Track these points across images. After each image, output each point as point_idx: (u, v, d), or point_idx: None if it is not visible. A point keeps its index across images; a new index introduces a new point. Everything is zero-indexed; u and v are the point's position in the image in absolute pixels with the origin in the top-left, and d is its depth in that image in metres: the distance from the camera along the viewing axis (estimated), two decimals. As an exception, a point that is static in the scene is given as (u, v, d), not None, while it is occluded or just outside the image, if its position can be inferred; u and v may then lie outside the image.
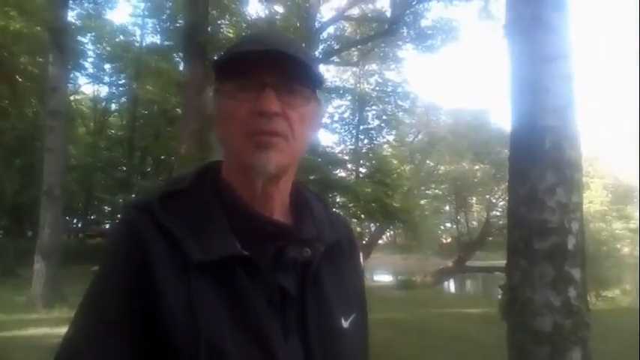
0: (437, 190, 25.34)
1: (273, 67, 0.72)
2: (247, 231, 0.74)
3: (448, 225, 30.17)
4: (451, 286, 26.59)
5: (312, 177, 16.15)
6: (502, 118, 24.01)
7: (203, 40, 12.97)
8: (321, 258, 0.79)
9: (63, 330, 0.73)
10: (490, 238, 21.66)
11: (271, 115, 0.71)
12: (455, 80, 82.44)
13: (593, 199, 45.28)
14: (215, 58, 0.79)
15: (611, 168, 44.02)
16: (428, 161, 25.01)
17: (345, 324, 0.79)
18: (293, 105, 0.74)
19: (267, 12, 17.02)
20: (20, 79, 10.51)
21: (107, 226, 27.52)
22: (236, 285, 0.71)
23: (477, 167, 22.11)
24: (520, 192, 2.43)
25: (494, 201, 21.54)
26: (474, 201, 23.47)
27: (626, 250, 41.29)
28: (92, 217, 29.16)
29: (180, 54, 15.61)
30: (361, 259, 0.97)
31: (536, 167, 2.36)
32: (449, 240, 30.46)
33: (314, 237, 0.79)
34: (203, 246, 0.70)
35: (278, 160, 0.73)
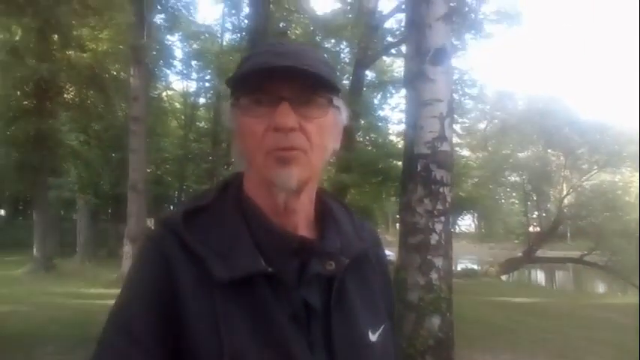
0: (512, 178, 24.96)
1: (287, 81, 0.72)
2: (271, 246, 0.74)
3: (538, 214, 29.47)
4: (540, 277, 26.19)
5: (380, 166, 16.94)
6: (575, 105, 23.11)
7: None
8: (347, 270, 0.78)
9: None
10: (562, 228, 21.14)
11: (288, 131, 0.71)
12: (527, 66, 78.34)
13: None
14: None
15: None
16: (503, 150, 24.65)
17: (373, 337, 0.78)
18: (310, 117, 0.73)
19: (327, 10, 17.85)
20: (111, 88, 12.51)
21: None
22: (260, 301, 0.70)
23: (549, 154, 21.54)
24: (402, 201, 3.31)
25: (565, 190, 20.93)
26: (548, 190, 22.83)
27: None
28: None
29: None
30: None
31: (411, 183, 3.24)
32: (537, 229, 29.72)
33: (338, 250, 0.79)
34: (227, 263, 0.70)
35: (299, 175, 0.73)
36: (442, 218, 3.21)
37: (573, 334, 7.40)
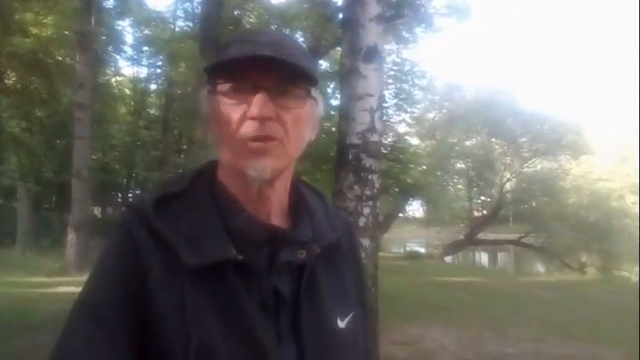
0: (458, 165, 25.99)
1: (265, 70, 0.71)
2: (242, 234, 0.74)
3: (482, 199, 30.87)
4: (484, 259, 27.47)
5: (332, 154, 17.28)
6: (519, 97, 24.28)
7: (216, 34, 14.19)
8: (318, 259, 0.79)
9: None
10: (504, 212, 22.33)
11: (264, 120, 0.71)
12: (477, 59, 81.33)
13: (630, 173, 44.09)
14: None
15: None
16: (450, 139, 25.58)
17: (342, 324, 0.79)
18: (287, 107, 0.73)
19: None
20: (56, 74, 12.19)
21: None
22: (230, 289, 0.71)
23: (492, 143, 22.61)
24: (335, 187, 3.63)
25: (507, 176, 22.07)
26: (491, 177, 23.97)
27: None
28: (136, 192, 31.48)
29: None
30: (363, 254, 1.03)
31: (343, 171, 3.55)
32: (484, 212, 31.17)
33: (309, 238, 0.79)
34: (197, 250, 0.70)
35: (274, 165, 0.73)
36: (370, 203, 3.53)
37: (504, 309, 8.04)
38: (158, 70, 27.01)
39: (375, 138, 3.56)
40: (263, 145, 0.72)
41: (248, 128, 0.72)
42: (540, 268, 21.74)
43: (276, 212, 0.80)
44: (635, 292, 11.36)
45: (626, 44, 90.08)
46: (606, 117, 46.74)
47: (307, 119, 0.78)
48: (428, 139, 26.67)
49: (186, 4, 23.52)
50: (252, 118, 0.71)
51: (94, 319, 0.69)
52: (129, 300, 0.69)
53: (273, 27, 18.39)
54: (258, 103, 0.71)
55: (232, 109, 0.73)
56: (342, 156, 3.58)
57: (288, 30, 18.89)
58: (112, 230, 0.78)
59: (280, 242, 0.77)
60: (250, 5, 18.62)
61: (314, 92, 0.78)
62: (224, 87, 0.74)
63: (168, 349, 0.67)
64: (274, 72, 0.72)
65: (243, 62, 0.71)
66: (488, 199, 25.91)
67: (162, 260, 0.71)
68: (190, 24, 22.81)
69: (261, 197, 0.77)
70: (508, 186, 21.99)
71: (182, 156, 23.03)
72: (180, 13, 24.05)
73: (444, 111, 26.74)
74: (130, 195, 30.06)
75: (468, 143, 24.41)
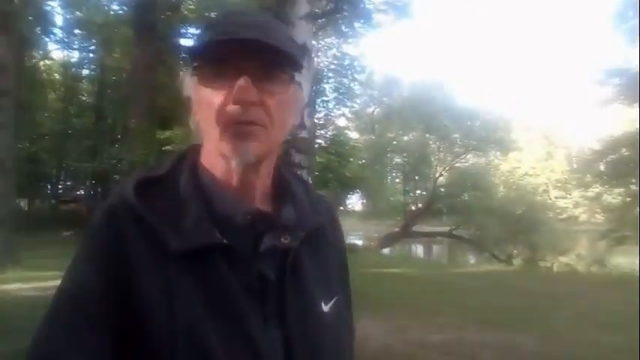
0: (396, 159, 26.79)
1: (249, 53, 0.70)
2: (226, 218, 0.74)
3: (418, 192, 31.98)
4: (420, 250, 28.44)
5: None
6: (455, 93, 25.30)
7: (152, 19, 13.81)
8: (302, 243, 0.78)
9: (11, 286, 1.03)
10: (440, 205, 23.26)
11: (248, 105, 0.70)
12: (415, 54, 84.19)
13: (554, 169, 47.04)
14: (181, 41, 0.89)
15: (577, 138, 45.93)
16: (388, 133, 26.26)
17: (326, 308, 0.80)
18: (271, 92, 0.72)
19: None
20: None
21: (82, 192, 28.40)
22: (215, 274, 0.70)
23: (427, 138, 23.43)
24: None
25: (440, 171, 23.01)
26: (426, 171, 24.86)
27: (583, 217, 43.30)
28: (68, 184, 29.97)
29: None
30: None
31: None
32: (419, 206, 32.31)
33: (294, 223, 0.79)
34: (181, 235, 0.70)
35: (257, 149, 0.73)
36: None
37: (432, 299, 8.43)
38: (91, 55, 25.86)
39: (304, 134, 3.66)
40: (247, 129, 0.71)
41: (231, 113, 0.71)
42: (472, 259, 22.80)
43: (259, 197, 0.79)
44: (555, 281, 12.26)
45: (556, 45, 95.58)
46: (533, 115, 49.49)
47: (291, 104, 0.77)
48: (367, 134, 27.27)
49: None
50: (236, 103, 0.70)
51: (76, 308, 0.68)
52: (112, 286, 0.68)
53: (213, 15, 18.13)
54: (241, 87, 0.69)
55: (215, 93, 0.72)
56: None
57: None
58: (94, 216, 0.76)
59: (265, 226, 0.76)
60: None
61: (298, 77, 0.77)
62: (207, 70, 0.72)
63: (155, 334, 0.67)
64: (259, 56, 0.71)
65: (226, 45, 0.70)
66: (424, 193, 26.86)
67: (146, 245, 0.70)
68: (125, 8, 22.00)
69: (245, 182, 0.76)
70: (442, 180, 22.92)
71: (117, 145, 22.17)
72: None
73: (383, 106, 27.46)
74: (60, 187, 28.65)
75: (405, 138, 25.14)
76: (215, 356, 0.67)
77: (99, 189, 26.33)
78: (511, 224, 20.66)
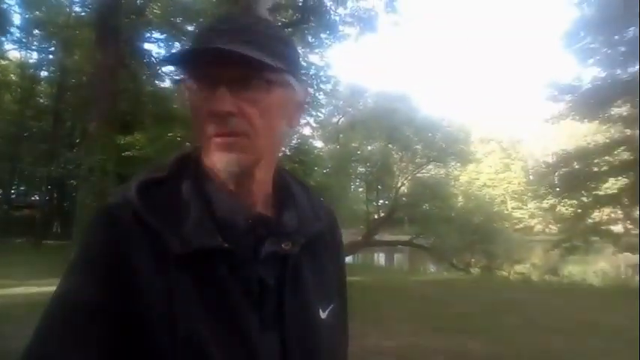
0: (360, 169, 27.10)
1: (225, 63, 0.69)
2: (228, 222, 0.74)
3: (381, 202, 32.43)
4: (382, 259, 28.75)
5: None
6: (418, 104, 25.91)
7: (116, 22, 13.56)
8: (302, 249, 0.78)
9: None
10: (402, 215, 23.69)
11: (225, 116, 0.69)
12: (381, 65, 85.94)
13: (512, 180, 48.59)
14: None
15: (533, 151, 47.58)
16: (352, 143, 26.55)
17: (323, 315, 0.80)
18: (251, 100, 0.71)
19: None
20: None
21: (36, 197, 27.39)
22: (215, 277, 0.70)
23: (389, 148, 23.84)
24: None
25: (402, 181, 23.45)
26: (389, 181, 25.26)
27: (538, 227, 44.79)
28: (22, 189, 28.82)
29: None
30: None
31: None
32: (382, 215, 32.74)
33: (295, 229, 0.79)
34: (182, 237, 0.69)
35: (240, 160, 0.72)
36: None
37: (390, 306, 8.62)
38: (50, 56, 25.13)
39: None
40: (226, 140, 0.71)
41: (211, 124, 0.71)
42: (432, 267, 23.22)
43: (260, 201, 0.79)
44: (509, 288, 12.68)
45: (514, 63, 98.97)
46: (491, 128, 51.02)
47: (277, 109, 0.75)
48: (331, 143, 27.49)
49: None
50: (214, 115, 0.70)
51: (77, 309, 0.67)
52: (113, 288, 0.67)
53: (178, 20, 17.99)
54: (217, 99, 0.69)
55: (199, 104, 0.72)
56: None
57: (193, 25, 18.55)
58: (93, 217, 0.74)
59: (266, 231, 0.76)
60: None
61: (287, 78, 0.75)
62: (191, 82, 0.73)
63: (155, 336, 0.66)
64: (234, 65, 0.69)
65: (200, 55, 0.70)
66: (386, 202, 27.26)
67: (147, 247, 0.69)
68: (88, 9, 21.53)
69: (242, 188, 0.76)
70: (403, 190, 23.35)
71: (75, 150, 21.57)
72: (77, -4, 22.52)
73: (347, 116, 27.78)
74: (13, 192, 27.56)
75: (369, 148, 25.49)
76: (214, 359, 0.67)
77: (55, 194, 25.52)
78: (469, 234, 21.20)
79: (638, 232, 15.61)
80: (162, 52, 18.75)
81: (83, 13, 21.20)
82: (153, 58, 18.57)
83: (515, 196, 47.40)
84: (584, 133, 24.55)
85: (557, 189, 16.50)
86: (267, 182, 0.81)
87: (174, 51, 0.79)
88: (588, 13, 14.52)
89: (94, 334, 0.65)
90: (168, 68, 18.92)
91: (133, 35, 16.59)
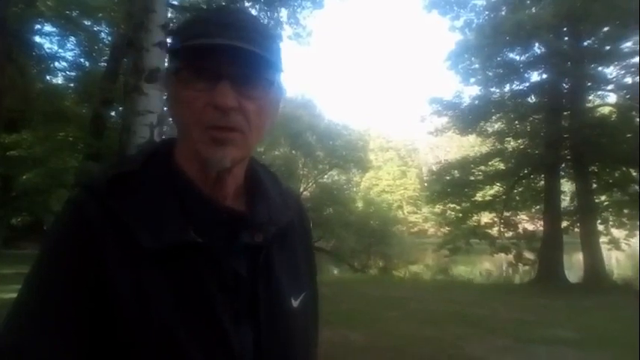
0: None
1: (230, 57, 0.70)
2: (200, 216, 0.73)
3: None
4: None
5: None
6: (321, 112, 26.78)
7: (2, 13, 12.69)
8: (274, 238, 0.79)
9: None
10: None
11: (227, 110, 0.70)
12: (286, 72, 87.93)
13: (408, 187, 51.46)
14: (169, 41, 0.82)
15: (427, 159, 50.89)
16: (258, 148, 26.68)
17: (295, 303, 0.81)
18: (251, 97, 0.72)
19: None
20: None
21: None
22: (189, 272, 0.70)
23: (294, 154, 24.41)
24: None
25: (305, 187, 24.13)
26: (293, 186, 25.79)
27: (431, 230, 47.85)
28: None
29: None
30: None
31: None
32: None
33: (266, 219, 0.79)
34: (155, 232, 0.69)
35: (234, 155, 0.73)
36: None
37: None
38: None
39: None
40: (225, 135, 0.71)
41: (211, 117, 0.71)
42: (335, 270, 23.99)
43: (232, 195, 0.79)
44: (400, 287, 13.67)
45: (410, 76, 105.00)
46: (390, 136, 53.84)
47: (270, 107, 0.77)
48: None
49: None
50: (216, 108, 0.70)
51: (46, 305, 0.66)
52: (82, 283, 0.66)
53: (74, 14, 17.12)
54: (222, 92, 0.70)
55: (195, 94, 0.71)
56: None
57: (89, 21, 17.75)
58: (61, 210, 0.73)
59: (238, 224, 0.77)
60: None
61: (278, 80, 0.78)
62: (187, 72, 0.72)
63: (128, 330, 0.66)
64: (239, 61, 0.70)
65: (207, 49, 0.70)
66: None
67: (117, 241, 0.68)
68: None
69: (219, 182, 0.76)
70: (306, 194, 24.02)
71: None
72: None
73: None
74: None
75: (276, 153, 25.84)
76: (188, 352, 0.67)
77: None
78: (366, 237, 22.34)
79: (512, 233, 17.56)
80: (55, 47, 17.66)
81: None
82: (44, 52, 17.53)
83: (411, 201, 50.20)
84: (472, 144, 26.69)
85: (441, 195, 17.97)
86: (241, 175, 0.82)
87: (190, 43, 0.71)
88: (470, 37, 16.11)
89: (66, 328, 0.65)
90: (61, 63, 18.08)
91: (21, 27, 15.56)
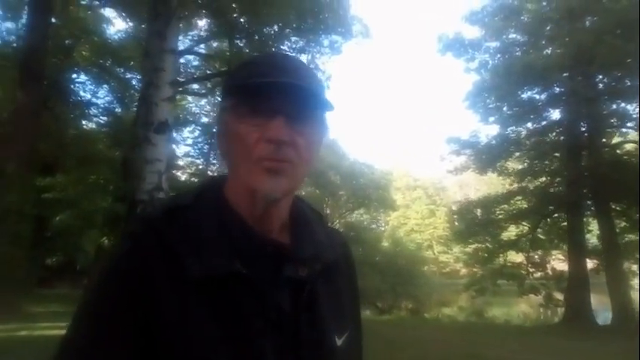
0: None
1: (285, 95, 0.75)
2: (246, 249, 0.76)
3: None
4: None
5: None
6: (344, 151, 27.12)
7: (39, 67, 13.61)
8: (318, 276, 0.81)
9: None
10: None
11: (281, 144, 0.74)
12: None
13: (437, 226, 50.73)
14: (227, 78, 0.85)
15: (456, 197, 50.28)
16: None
17: (339, 342, 0.81)
18: (302, 133, 0.77)
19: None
20: None
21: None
22: (233, 302, 0.72)
23: (317, 193, 24.69)
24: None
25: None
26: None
27: (464, 271, 46.75)
28: None
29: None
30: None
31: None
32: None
33: (311, 255, 0.81)
34: (203, 263, 0.71)
35: (285, 186, 0.76)
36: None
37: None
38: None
39: (161, 195, 4.31)
40: (277, 165, 0.75)
41: (264, 150, 0.74)
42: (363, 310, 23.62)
43: (277, 229, 0.82)
44: (421, 328, 13.46)
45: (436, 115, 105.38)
46: (417, 175, 53.64)
47: (318, 143, 0.82)
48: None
49: (10, 24, 21.58)
50: (270, 141, 0.74)
51: (96, 332, 0.70)
52: (132, 312, 0.69)
53: (107, 63, 18.17)
54: (277, 127, 0.74)
55: (250, 129, 0.75)
56: (132, 210, 4.26)
57: (121, 69, 18.77)
58: (120, 241, 0.78)
59: (283, 258, 0.78)
60: (84, 37, 18.01)
61: (324, 117, 0.83)
62: (243, 107, 0.77)
63: (172, 358, 0.68)
64: (293, 98, 0.75)
65: (266, 86, 0.75)
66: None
67: (168, 272, 0.71)
68: (13, 46, 21.12)
69: (266, 215, 0.79)
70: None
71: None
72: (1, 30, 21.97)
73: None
74: None
75: (297, 193, 26.14)
76: None
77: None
78: (391, 276, 22.08)
79: (541, 273, 17.14)
80: (88, 95, 18.69)
81: (8, 50, 20.79)
82: (79, 99, 18.60)
83: (442, 240, 49.34)
84: (502, 182, 26.43)
85: (465, 234, 17.80)
86: (286, 210, 0.84)
87: (252, 81, 0.77)
88: (486, 77, 16.37)
89: (114, 350, 0.68)
90: (95, 110, 19.09)
91: (58, 77, 16.62)
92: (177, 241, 0.73)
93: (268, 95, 0.74)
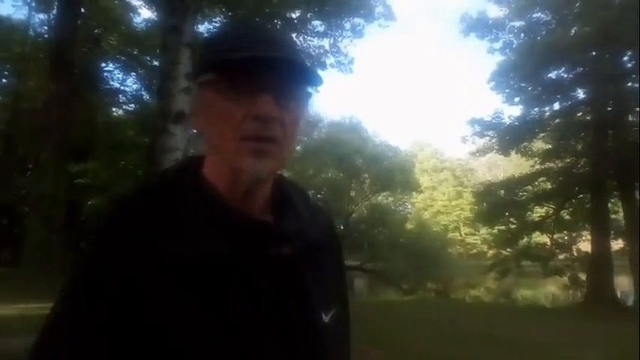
0: (318, 196, 27.95)
1: (271, 70, 0.71)
2: (229, 229, 0.73)
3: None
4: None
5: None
6: (368, 134, 27.13)
7: (70, 57, 14.12)
8: (303, 254, 0.79)
9: None
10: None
11: (269, 120, 0.71)
12: (337, 95, 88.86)
13: (464, 207, 50.36)
14: (203, 52, 0.79)
15: (486, 179, 49.65)
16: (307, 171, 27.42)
17: (326, 319, 0.80)
18: (289, 108, 0.74)
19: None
20: None
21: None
22: (218, 283, 0.70)
23: (341, 177, 24.88)
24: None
25: (353, 208, 24.49)
26: (341, 208, 26.22)
27: (490, 252, 46.36)
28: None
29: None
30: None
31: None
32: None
33: (295, 233, 0.79)
34: (184, 245, 0.69)
35: (271, 166, 0.74)
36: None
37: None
38: (4, 81, 25.05)
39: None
40: (264, 146, 0.72)
41: (251, 127, 0.71)
42: (387, 292, 23.79)
43: (260, 207, 0.80)
44: (444, 309, 13.62)
45: (465, 96, 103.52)
46: (444, 156, 53.09)
47: (302, 120, 0.79)
48: (286, 171, 28.29)
49: (42, 16, 22.23)
50: (257, 118, 0.71)
51: (79, 320, 0.68)
52: (114, 298, 0.67)
53: (135, 52, 18.62)
54: (264, 103, 0.71)
55: (235, 106, 0.72)
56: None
57: (148, 57, 19.19)
58: (97, 225, 0.76)
59: (266, 237, 0.76)
60: (112, 26, 18.45)
61: (309, 93, 0.80)
62: (225, 84, 0.73)
63: (159, 343, 0.66)
64: (280, 73, 0.72)
65: (251, 61, 0.71)
66: (342, 227, 28.12)
67: (149, 255, 0.69)
68: (44, 37, 21.76)
69: (248, 194, 0.77)
70: (355, 217, 24.35)
71: (28, 175, 21.51)
72: (34, 22, 22.66)
73: (302, 145, 28.79)
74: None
75: (323, 176, 26.40)
76: None
77: (4, 220, 25.19)
78: (415, 258, 22.15)
79: (566, 255, 17.04)
80: (116, 83, 19.20)
81: (39, 40, 21.43)
82: (109, 86, 19.15)
83: (469, 222, 48.95)
84: (531, 164, 26.07)
85: (487, 216, 17.75)
86: (269, 189, 0.82)
87: (236, 56, 0.72)
88: (512, 57, 16.11)
89: (97, 343, 0.66)
90: (125, 97, 19.63)
91: (89, 65, 17.15)
92: (154, 225, 0.71)
93: (255, 70, 0.72)
